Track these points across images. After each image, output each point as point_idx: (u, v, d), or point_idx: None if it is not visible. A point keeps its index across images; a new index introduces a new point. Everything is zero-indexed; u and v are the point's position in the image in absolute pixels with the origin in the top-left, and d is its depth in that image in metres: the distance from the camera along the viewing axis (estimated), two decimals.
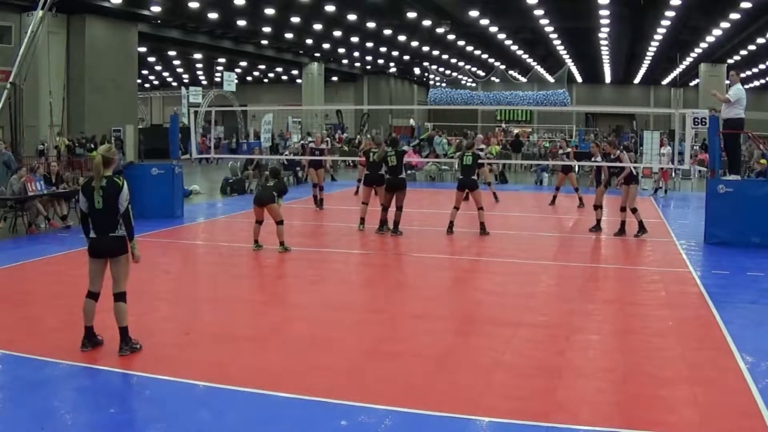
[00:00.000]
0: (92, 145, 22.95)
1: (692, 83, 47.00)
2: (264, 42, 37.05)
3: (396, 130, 43.99)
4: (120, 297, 6.16)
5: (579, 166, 21.40)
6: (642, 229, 12.59)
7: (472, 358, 6.21)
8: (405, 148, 14.95)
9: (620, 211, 12.88)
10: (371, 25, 31.11)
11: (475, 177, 13.11)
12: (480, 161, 14.75)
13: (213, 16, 29.04)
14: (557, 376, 5.69)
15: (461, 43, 37.13)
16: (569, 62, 41.89)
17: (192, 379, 5.56)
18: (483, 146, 21.45)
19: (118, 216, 6.10)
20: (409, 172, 23.14)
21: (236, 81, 42.89)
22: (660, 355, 6.24)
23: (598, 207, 13.42)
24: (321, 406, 5.03)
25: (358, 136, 39.35)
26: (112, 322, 6.48)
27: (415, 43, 37.11)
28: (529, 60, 42.40)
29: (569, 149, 18.95)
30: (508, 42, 36.11)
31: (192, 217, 15.26)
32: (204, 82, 50.03)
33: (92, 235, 6.15)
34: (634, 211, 12.62)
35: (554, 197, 17.86)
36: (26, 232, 12.70)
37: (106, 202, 6.07)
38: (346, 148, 34.05)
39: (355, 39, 35.98)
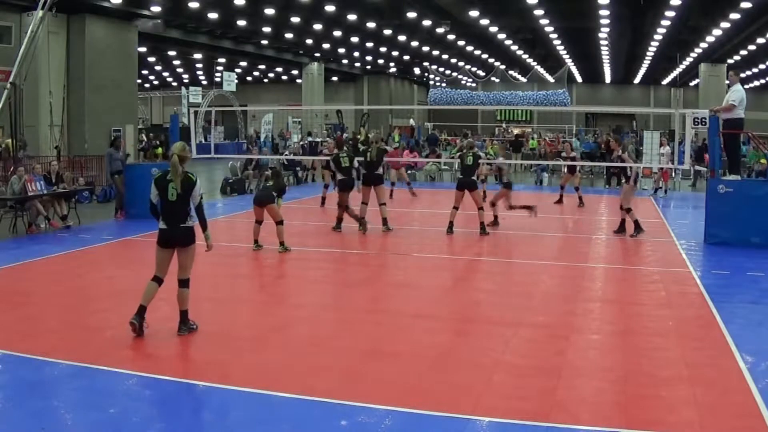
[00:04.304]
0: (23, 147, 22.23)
1: (692, 83, 46.98)
2: (264, 42, 36.99)
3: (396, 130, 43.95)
4: (184, 283, 6.62)
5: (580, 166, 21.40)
6: (638, 228, 12.60)
7: (472, 358, 6.21)
8: (387, 147, 15.18)
9: (620, 209, 12.92)
10: (371, 25, 31.08)
11: (474, 177, 13.16)
12: (480, 161, 14.78)
13: (213, 16, 29.03)
14: (557, 376, 5.69)
15: (461, 43, 37.08)
16: (569, 62, 41.87)
17: (192, 379, 5.57)
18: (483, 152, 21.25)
19: (188, 208, 6.56)
20: (409, 171, 23.16)
21: (236, 81, 42.89)
22: (660, 355, 6.24)
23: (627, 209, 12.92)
24: (321, 406, 5.03)
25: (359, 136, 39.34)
26: (115, 321, 6.50)
27: (415, 43, 37.07)
28: (529, 60, 42.37)
29: (573, 153, 18.85)
30: (508, 42, 36.06)
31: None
32: (204, 82, 50.01)
33: (162, 225, 6.55)
34: (628, 211, 12.66)
35: (561, 196, 17.96)
36: (26, 232, 12.70)
37: (180, 195, 6.49)
38: (345, 148, 34.01)
39: (355, 39, 35.95)
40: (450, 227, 12.82)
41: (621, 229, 12.83)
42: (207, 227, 6.72)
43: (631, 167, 12.91)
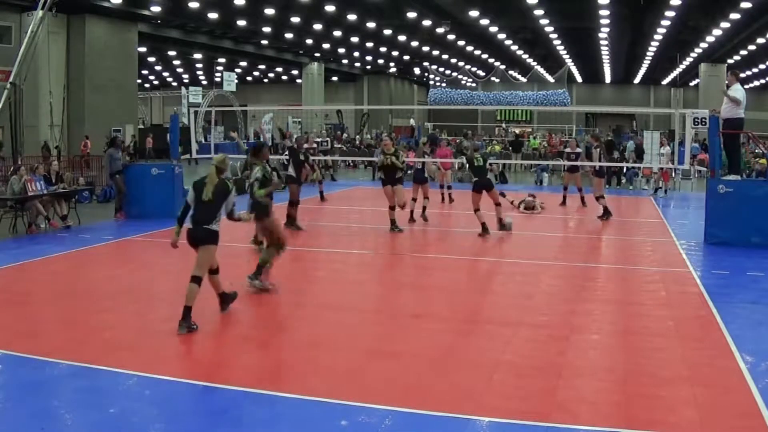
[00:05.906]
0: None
1: (692, 83, 47.01)
2: (264, 42, 37.03)
3: (396, 130, 43.99)
4: (196, 279, 6.84)
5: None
6: (607, 212, 14.59)
7: (472, 358, 6.21)
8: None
9: (596, 200, 15.02)
10: (371, 25, 31.10)
11: (489, 177, 13.00)
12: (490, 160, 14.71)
13: (213, 16, 29.05)
14: (557, 376, 5.69)
15: (461, 43, 37.11)
16: (569, 62, 41.88)
17: (192, 379, 5.56)
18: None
19: (218, 213, 7.02)
20: (409, 171, 23.11)
21: (236, 81, 42.89)
22: (660, 355, 6.24)
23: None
24: (321, 406, 5.03)
25: (358, 136, 39.40)
26: (115, 321, 6.49)
27: (415, 43, 37.10)
28: (529, 60, 42.39)
29: (579, 149, 18.18)
30: (508, 42, 36.09)
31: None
32: (204, 82, 50.03)
33: (189, 225, 6.94)
34: (599, 198, 14.71)
35: (564, 197, 17.64)
36: (26, 232, 12.70)
37: (214, 198, 7.01)
38: (345, 148, 34.14)
39: (355, 39, 35.98)
40: (484, 228, 12.54)
41: (606, 214, 14.55)
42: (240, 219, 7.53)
43: (601, 164, 15.17)
